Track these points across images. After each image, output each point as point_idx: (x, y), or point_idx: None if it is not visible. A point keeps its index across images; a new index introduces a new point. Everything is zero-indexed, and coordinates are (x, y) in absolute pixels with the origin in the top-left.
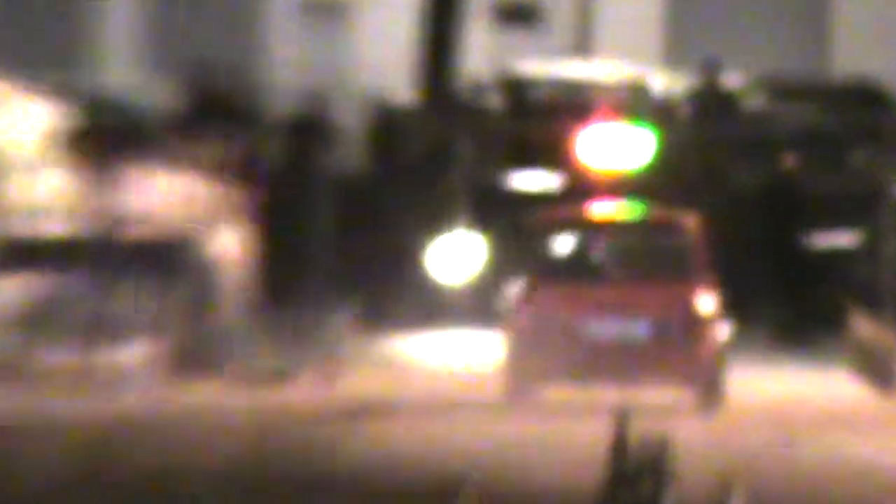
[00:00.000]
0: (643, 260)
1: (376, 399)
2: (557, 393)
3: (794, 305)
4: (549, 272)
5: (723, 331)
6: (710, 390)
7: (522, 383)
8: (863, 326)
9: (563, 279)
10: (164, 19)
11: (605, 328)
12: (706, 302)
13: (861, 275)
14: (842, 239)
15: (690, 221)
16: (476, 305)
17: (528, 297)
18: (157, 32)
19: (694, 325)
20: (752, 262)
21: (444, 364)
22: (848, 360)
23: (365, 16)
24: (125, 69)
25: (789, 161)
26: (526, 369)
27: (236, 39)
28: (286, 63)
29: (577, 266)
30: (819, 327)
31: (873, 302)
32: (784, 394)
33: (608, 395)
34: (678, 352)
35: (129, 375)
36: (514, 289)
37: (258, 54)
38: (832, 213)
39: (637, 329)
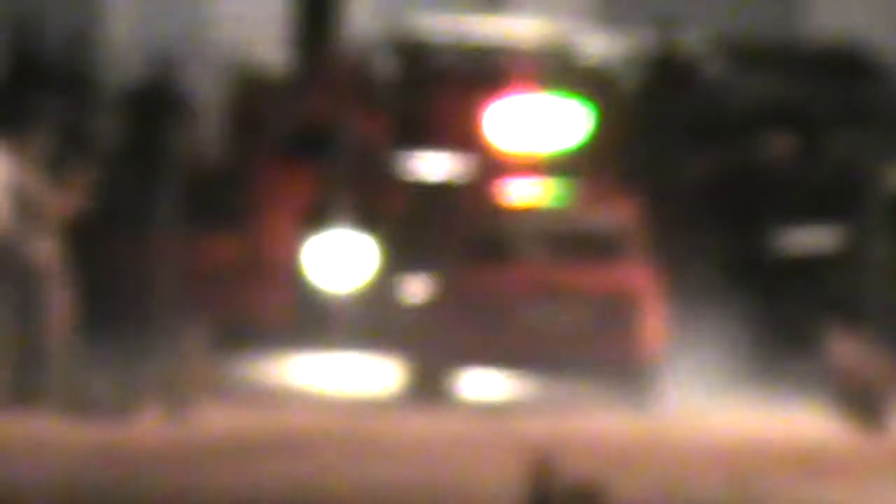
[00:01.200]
0: (570, 246)
1: (236, 436)
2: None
3: (760, 321)
4: (467, 259)
5: (661, 325)
6: (641, 386)
7: (433, 370)
8: (844, 348)
9: (482, 265)
10: None
11: (543, 310)
12: (640, 289)
13: (842, 284)
14: (819, 240)
15: (624, 204)
16: (365, 319)
17: (446, 283)
18: None
19: (631, 308)
20: (707, 268)
21: (321, 392)
22: (824, 390)
23: None
24: None
25: (768, 142)
26: (442, 354)
27: None
28: (127, 21)
29: (497, 252)
30: (789, 349)
31: (857, 318)
32: (745, 430)
33: (529, 423)
34: (616, 336)
35: None
36: (421, 281)
37: (91, 9)
38: (807, 208)
39: (563, 314)
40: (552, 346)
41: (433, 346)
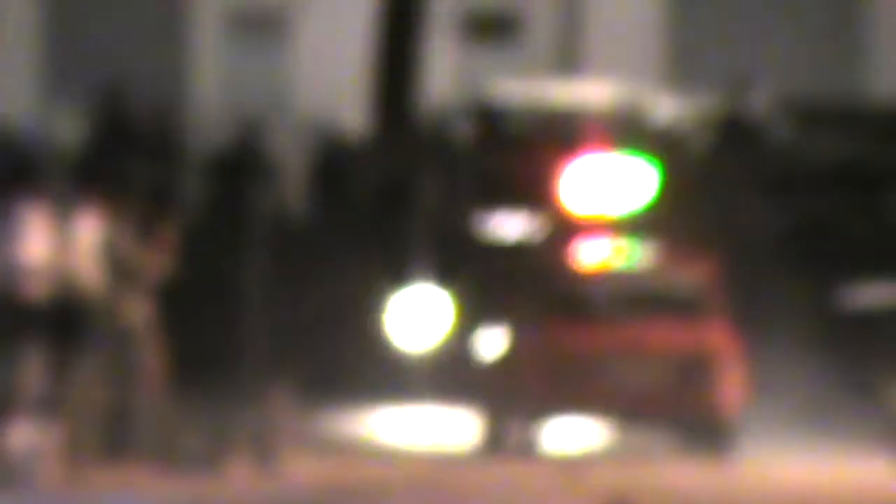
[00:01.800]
0: (644, 305)
1: (321, 486)
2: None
3: (827, 372)
4: (543, 317)
5: (738, 381)
6: (719, 439)
7: (508, 424)
8: None
9: (557, 323)
10: (68, 35)
11: (624, 367)
12: (717, 346)
13: None
14: (883, 294)
15: (701, 265)
16: (443, 373)
17: (521, 340)
18: (56, 53)
19: (708, 365)
20: (776, 320)
21: (402, 444)
22: (891, 440)
23: (306, 28)
24: (17, 96)
25: (837, 201)
26: (516, 408)
27: (153, 58)
28: (213, 85)
29: (572, 311)
30: (855, 399)
31: None
32: (815, 482)
33: (605, 474)
34: (695, 392)
35: (24, 463)
36: (497, 337)
37: (179, 75)
38: (872, 264)
39: (638, 372)
40: (629, 404)
41: (508, 401)
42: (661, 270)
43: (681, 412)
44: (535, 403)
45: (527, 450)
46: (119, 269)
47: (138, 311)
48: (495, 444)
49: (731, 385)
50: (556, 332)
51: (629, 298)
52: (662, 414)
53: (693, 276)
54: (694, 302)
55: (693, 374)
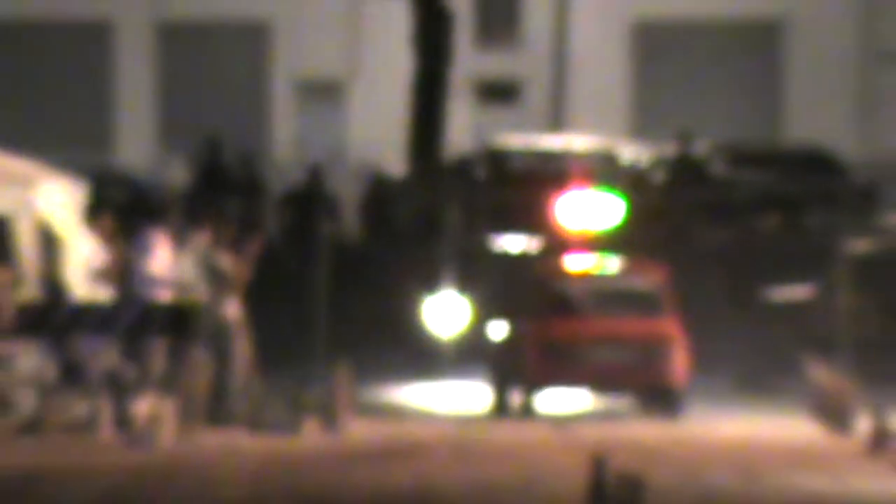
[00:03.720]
0: (615, 302)
1: (373, 443)
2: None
3: (756, 353)
4: (538, 311)
5: (685, 360)
6: (671, 403)
7: (510, 393)
8: (820, 373)
9: (549, 316)
10: (175, 101)
11: (601, 350)
12: (669, 333)
13: (817, 325)
14: (799, 292)
15: (658, 271)
16: (465, 356)
17: (522, 329)
18: (169, 113)
19: (664, 349)
20: (718, 313)
21: (434, 410)
22: (806, 404)
23: (358, 95)
24: (140, 147)
25: (761, 221)
26: (516, 381)
27: (242, 117)
28: (286, 138)
29: (560, 306)
30: (779, 374)
31: (829, 350)
32: (746, 435)
33: (586, 431)
34: (654, 369)
35: (150, 427)
36: (504, 328)
37: (261, 131)
38: (790, 268)
39: (624, 352)
40: (603, 378)
41: (510, 375)
42: (628, 276)
43: (642, 383)
44: (530, 377)
45: (525, 413)
46: (218, 278)
47: (233, 311)
48: (502, 409)
49: (680, 363)
50: (547, 323)
51: (604, 297)
52: (628, 385)
53: (651, 280)
54: (652, 300)
55: (651, 354)
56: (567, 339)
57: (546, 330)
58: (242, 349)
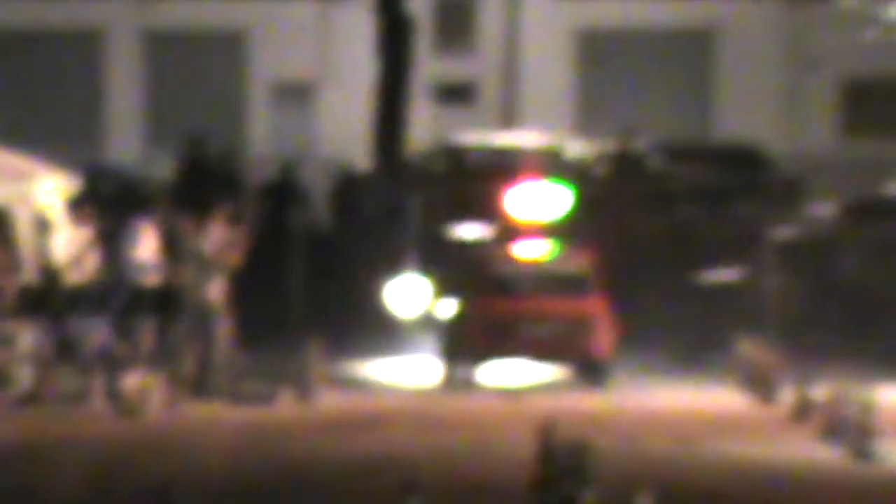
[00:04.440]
0: (552, 284)
1: (341, 414)
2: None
3: (690, 331)
4: (484, 291)
5: (610, 335)
6: (599, 374)
7: (456, 366)
8: (748, 348)
9: (493, 295)
10: (161, 102)
11: (533, 326)
12: (596, 311)
13: (746, 305)
14: (730, 275)
15: (586, 255)
16: (423, 334)
17: (469, 307)
18: (155, 113)
19: (589, 325)
20: (655, 293)
21: (396, 383)
22: (735, 377)
23: (327, 97)
24: (129, 144)
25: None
26: (462, 354)
27: (222, 116)
28: (262, 136)
29: (503, 287)
30: (711, 349)
31: (756, 328)
32: (681, 405)
33: (533, 402)
34: (580, 343)
35: (138, 400)
36: (458, 304)
37: (240, 129)
38: (722, 254)
39: (553, 327)
40: (538, 350)
41: (458, 349)
42: (560, 260)
43: (570, 355)
44: (473, 351)
45: (471, 385)
46: (201, 263)
47: (215, 292)
48: (452, 381)
49: (605, 338)
50: (491, 302)
51: (538, 279)
52: (558, 356)
53: (581, 264)
54: (580, 282)
55: (578, 329)
56: (504, 316)
57: (487, 308)
58: (224, 328)
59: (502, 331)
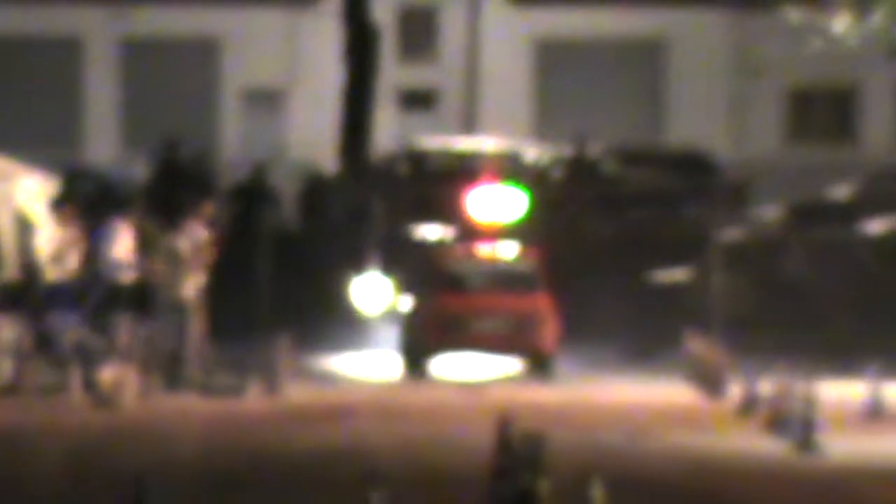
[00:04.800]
0: (502, 282)
1: (308, 405)
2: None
3: (641, 328)
4: (439, 288)
5: (555, 331)
6: (546, 368)
7: (413, 358)
8: (696, 345)
9: (447, 292)
10: (137, 106)
11: (483, 321)
12: (541, 308)
13: (694, 303)
14: (679, 275)
15: (534, 255)
16: (386, 329)
17: (424, 303)
18: (131, 117)
19: (535, 321)
20: (607, 292)
21: (359, 376)
22: (685, 372)
23: (296, 102)
24: (106, 147)
25: (644, 213)
26: (419, 346)
27: (195, 121)
28: (234, 140)
29: (457, 284)
30: (661, 346)
31: (704, 325)
32: (633, 399)
33: (490, 394)
34: (527, 337)
35: (113, 391)
36: (415, 300)
37: (212, 133)
38: (670, 254)
39: (501, 322)
40: (488, 344)
41: (414, 343)
42: (515, 260)
43: (517, 349)
44: (427, 344)
45: (429, 378)
46: (176, 261)
47: (190, 288)
48: (410, 372)
49: (550, 333)
50: (445, 298)
51: (488, 277)
52: (505, 349)
53: (528, 263)
54: (528, 280)
55: (524, 325)
56: (455, 312)
57: (439, 304)
58: (196, 323)
59: (454, 326)
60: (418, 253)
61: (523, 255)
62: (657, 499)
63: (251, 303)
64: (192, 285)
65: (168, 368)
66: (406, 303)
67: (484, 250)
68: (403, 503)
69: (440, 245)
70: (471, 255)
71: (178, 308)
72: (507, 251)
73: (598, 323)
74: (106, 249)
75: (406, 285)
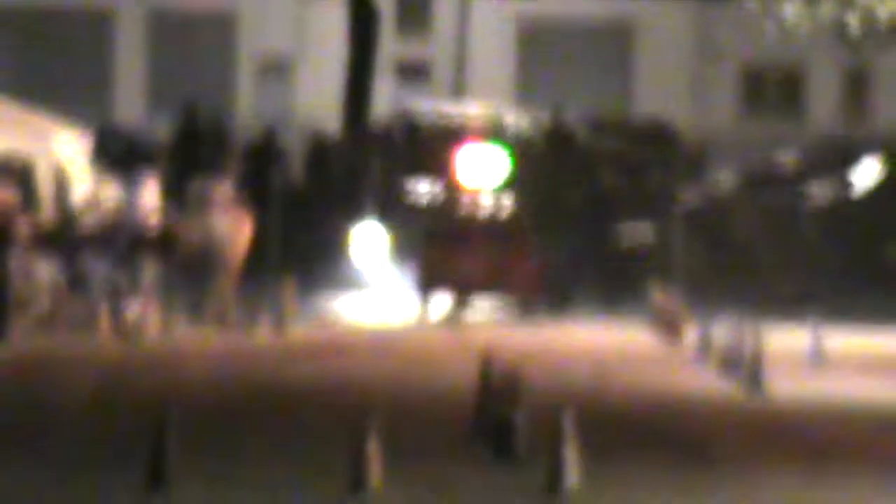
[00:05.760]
0: (491, 233)
1: (311, 343)
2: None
3: (610, 281)
4: (436, 239)
5: (535, 277)
6: (529, 312)
7: (426, 293)
8: (658, 296)
9: (444, 243)
10: (161, 74)
11: (469, 270)
12: (526, 259)
13: (657, 260)
14: (643, 235)
15: (518, 213)
16: (384, 275)
17: (429, 250)
18: (156, 83)
19: (523, 267)
20: (580, 248)
21: (357, 317)
22: (648, 320)
23: (304, 72)
24: (133, 110)
25: (613, 179)
26: (423, 288)
27: (214, 86)
28: (248, 104)
29: (453, 237)
30: (628, 296)
31: (666, 279)
32: (601, 343)
33: (475, 334)
34: (513, 281)
35: (136, 327)
36: (412, 251)
37: (228, 98)
38: (636, 213)
39: (487, 269)
40: (477, 285)
41: (419, 287)
42: (496, 213)
43: (506, 292)
44: (424, 287)
45: (426, 314)
46: (191, 204)
47: (220, 232)
48: (406, 315)
49: (531, 279)
50: (442, 247)
51: (483, 229)
52: (498, 292)
53: (512, 216)
54: (513, 232)
55: (510, 269)
56: (452, 258)
57: (438, 251)
58: (228, 263)
59: (446, 269)
60: (412, 206)
61: (507, 209)
62: (620, 431)
63: (261, 250)
64: (224, 225)
65: (189, 305)
66: (402, 251)
67: (480, 206)
68: (394, 430)
69: (433, 198)
70: (466, 210)
71: (201, 251)
72: (494, 205)
73: (572, 276)
74: (134, 199)
75: (401, 235)
